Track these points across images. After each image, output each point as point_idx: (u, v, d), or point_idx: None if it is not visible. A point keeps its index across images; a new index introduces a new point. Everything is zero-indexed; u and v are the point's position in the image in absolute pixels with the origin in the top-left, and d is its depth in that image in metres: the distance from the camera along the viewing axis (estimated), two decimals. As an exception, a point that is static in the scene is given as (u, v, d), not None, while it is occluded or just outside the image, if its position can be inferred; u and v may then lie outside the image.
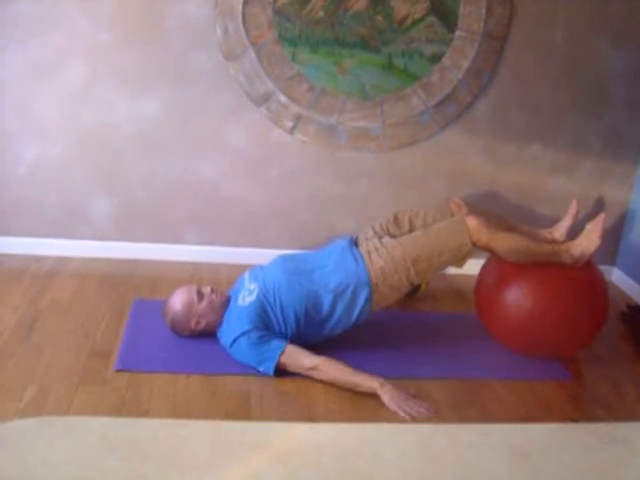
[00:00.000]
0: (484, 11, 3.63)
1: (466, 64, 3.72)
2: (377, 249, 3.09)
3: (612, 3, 3.73)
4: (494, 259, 3.29)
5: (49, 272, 3.69)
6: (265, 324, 2.97)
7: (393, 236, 3.20)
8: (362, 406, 2.79)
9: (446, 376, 3.05)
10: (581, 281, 3.15)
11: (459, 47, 3.69)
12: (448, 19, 3.63)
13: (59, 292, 3.49)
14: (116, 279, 3.69)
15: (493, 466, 2.44)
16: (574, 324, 3.08)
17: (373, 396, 2.83)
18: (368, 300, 3.04)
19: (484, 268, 3.38)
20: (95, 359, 2.94)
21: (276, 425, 2.58)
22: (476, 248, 3.06)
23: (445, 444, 2.54)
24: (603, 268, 4.21)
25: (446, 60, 3.70)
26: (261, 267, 3.19)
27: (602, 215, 3.18)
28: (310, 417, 2.68)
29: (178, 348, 3.08)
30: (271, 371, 2.89)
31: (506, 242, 3.07)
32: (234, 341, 2.96)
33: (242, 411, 2.69)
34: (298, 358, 2.90)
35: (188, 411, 2.65)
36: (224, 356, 3.00)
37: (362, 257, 3.08)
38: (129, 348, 3.03)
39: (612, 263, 4.26)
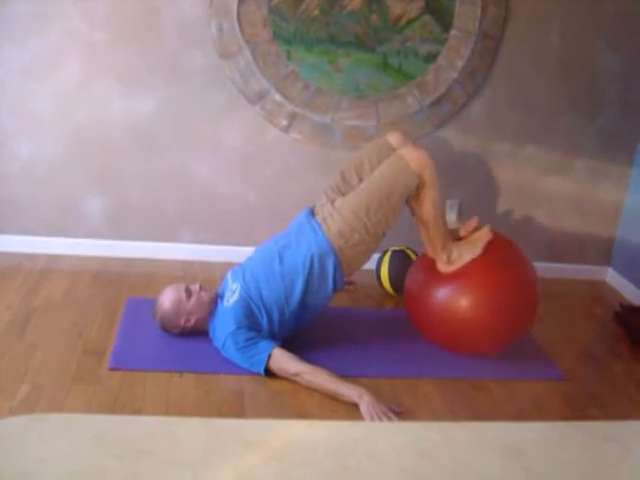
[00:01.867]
0: (479, 11, 3.63)
1: (461, 64, 3.72)
2: (331, 214, 3.04)
3: (607, 4, 3.74)
4: (421, 259, 3.30)
5: (42, 270, 3.68)
6: (251, 321, 2.96)
7: (346, 194, 3.11)
8: (356, 406, 2.78)
9: (440, 375, 3.05)
10: (510, 278, 3.11)
11: (454, 47, 3.69)
12: (443, 18, 3.64)
13: (52, 290, 3.48)
14: (110, 277, 3.68)
15: (487, 464, 2.43)
16: (501, 320, 3.06)
17: (367, 395, 2.84)
18: (337, 267, 3.02)
19: (412, 268, 3.37)
20: (88, 357, 2.94)
21: (270, 423, 2.58)
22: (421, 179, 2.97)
23: (439, 442, 2.53)
24: (597, 268, 4.25)
25: (441, 60, 3.71)
26: (241, 265, 3.18)
27: (487, 228, 3.14)
28: (304, 416, 2.69)
29: (171, 346, 3.08)
30: (262, 373, 2.89)
31: (436, 194, 3.02)
32: (223, 344, 2.96)
33: (236, 410, 2.69)
34: (283, 364, 2.88)
35: (182, 409, 2.65)
36: (218, 355, 3.00)
37: (320, 226, 3.04)
38: (123, 346, 3.03)
39: (607, 263, 4.27)
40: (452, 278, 3.08)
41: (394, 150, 3.10)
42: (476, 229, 3.22)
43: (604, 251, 4.24)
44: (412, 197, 3.04)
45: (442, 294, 3.08)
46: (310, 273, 3.00)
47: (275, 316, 2.99)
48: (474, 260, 3.07)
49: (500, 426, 2.70)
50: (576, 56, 3.83)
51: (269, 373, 2.89)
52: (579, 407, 2.93)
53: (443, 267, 3.10)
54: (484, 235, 3.13)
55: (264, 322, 2.98)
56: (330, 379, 2.83)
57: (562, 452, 2.55)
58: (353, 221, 2.98)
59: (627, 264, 4.11)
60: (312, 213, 3.16)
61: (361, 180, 3.13)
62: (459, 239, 3.20)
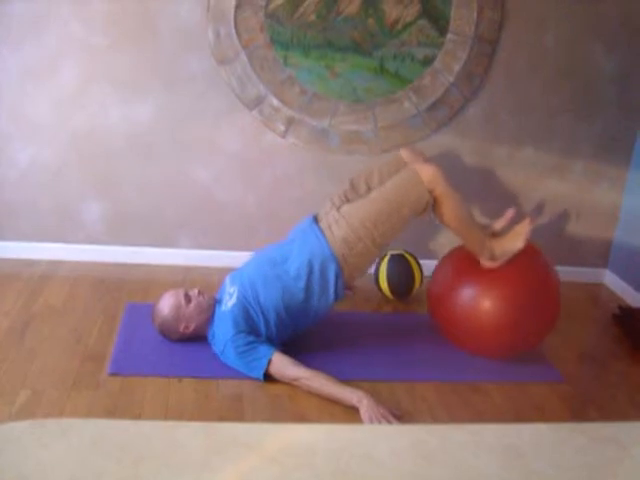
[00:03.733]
0: (475, 14, 3.64)
1: (457, 67, 3.73)
2: (337, 220, 3.05)
3: (603, 6, 3.75)
4: (446, 261, 3.32)
5: (42, 276, 3.68)
6: (249, 326, 2.97)
7: (352, 202, 3.14)
8: (354, 410, 2.79)
9: (439, 378, 3.06)
10: (533, 281, 3.14)
11: (450, 50, 3.70)
12: (439, 22, 3.65)
13: (52, 296, 3.48)
14: (109, 283, 3.69)
15: (486, 466, 2.44)
16: (524, 324, 3.08)
17: (366, 398, 2.85)
18: (339, 275, 3.02)
19: (437, 270, 3.39)
20: (88, 363, 2.94)
21: (269, 426, 2.57)
22: (432, 197, 3.00)
23: (438, 445, 2.53)
24: (595, 270, 4.26)
25: (437, 63, 3.72)
26: (239, 269, 3.19)
27: (528, 219, 3.17)
28: (303, 419, 2.70)
29: (171, 352, 3.08)
30: (261, 378, 2.90)
31: (455, 202, 3.04)
32: (223, 349, 2.96)
33: (235, 414, 2.69)
34: (283, 369, 2.89)
35: (181, 415, 2.65)
36: (217, 360, 3.01)
37: (323, 233, 3.05)
38: (122, 352, 3.03)
39: (604, 265, 4.28)
40: (476, 279, 3.11)
41: (406, 165, 3.17)
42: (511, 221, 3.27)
43: (602, 253, 4.25)
44: (435, 211, 3.07)
45: (466, 295, 3.11)
46: (311, 279, 3.01)
47: (272, 321, 2.99)
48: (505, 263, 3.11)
49: (499, 428, 2.71)
50: (573, 59, 3.84)
51: (268, 378, 2.89)
52: (578, 409, 2.94)
53: (488, 264, 3.12)
54: (525, 227, 3.14)
55: (262, 326, 2.99)
56: (329, 383, 2.84)
57: (562, 454, 2.56)
58: (360, 230, 3.00)
59: (625, 266, 4.12)
60: (316, 220, 3.17)
61: (369, 190, 3.18)
62: (495, 234, 3.23)
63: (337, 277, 3.03)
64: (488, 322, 3.05)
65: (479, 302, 3.06)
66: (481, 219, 3.48)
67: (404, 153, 3.28)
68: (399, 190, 3.03)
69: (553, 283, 3.19)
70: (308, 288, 3.01)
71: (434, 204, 3.04)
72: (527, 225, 3.14)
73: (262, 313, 2.98)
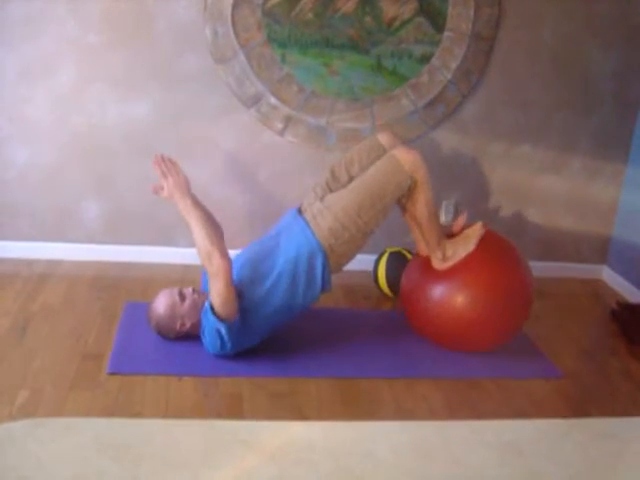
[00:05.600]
0: (472, 12, 3.64)
1: (455, 65, 3.73)
2: (320, 211, 3.05)
3: (600, 3, 3.75)
4: (416, 259, 3.32)
5: (40, 276, 3.68)
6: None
7: (335, 191, 3.14)
8: (354, 407, 2.79)
9: (438, 375, 3.06)
10: (503, 276, 3.13)
11: (448, 48, 3.70)
12: (437, 20, 3.65)
13: (51, 295, 3.48)
14: (108, 282, 3.69)
15: (485, 463, 2.45)
16: (494, 319, 3.09)
17: (366, 396, 2.85)
18: (326, 266, 3.02)
19: (408, 267, 3.38)
20: (87, 362, 2.94)
21: (268, 424, 2.59)
22: (414, 179, 3.01)
23: (437, 441, 2.55)
24: (593, 266, 4.27)
25: (435, 61, 3.72)
26: None
27: (480, 224, 3.18)
28: (302, 418, 2.69)
29: (170, 350, 3.08)
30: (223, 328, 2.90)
31: (430, 190, 3.06)
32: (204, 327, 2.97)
33: (234, 413, 2.69)
34: (217, 293, 2.88)
35: (180, 413, 2.65)
36: (216, 358, 3.00)
37: (308, 224, 3.05)
38: (121, 351, 3.03)
39: (603, 261, 4.29)
40: (446, 276, 3.10)
41: (385, 150, 3.14)
42: (468, 225, 3.25)
43: (600, 249, 4.26)
44: (405, 197, 3.07)
45: (437, 292, 3.10)
46: (297, 273, 2.99)
47: (256, 316, 2.97)
48: (469, 256, 3.09)
49: (498, 424, 2.72)
50: (570, 55, 3.84)
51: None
52: (577, 405, 2.94)
53: (438, 264, 3.13)
54: (477, 230, 3.16)
55: (246, 320, 2.96)
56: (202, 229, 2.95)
57: (560, 449, 2.57)
58: (344, 219, 2.99)
59: (623, 262, 4.13)
60: (299, 212, 3.17)
61: (351, 178, 3.15)
62: (452, 236, 3.23)
63: (324, 268, 3.02)
64: (458, 317, 3.06)
65: (450, 298, 3.06)
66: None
67: (382, 138, 3.22)
68: (381, 177, 3.02)
69: (525, 278, 3.18)
70: (294, 282, 3.00)
71: (416, 191, 3.04)
72: (480, 229, 3.16)
73: (246, 309, 2.96)
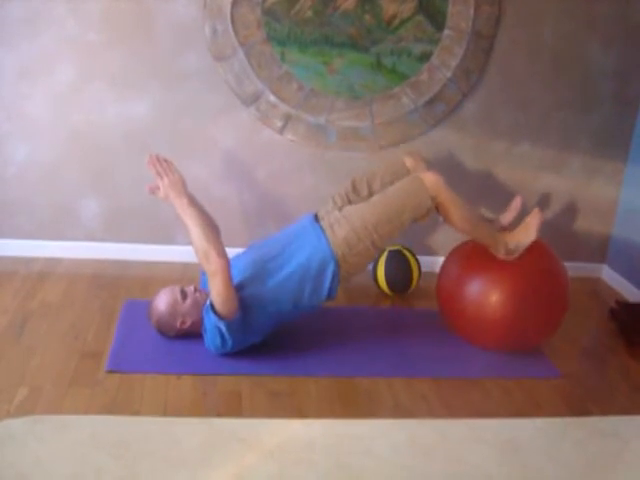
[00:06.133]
0: (472, 10, 3.63)
1: (455, 63, 3.72)
2: (338, 220, 3.08)
3: (600, 2, 3.75)
4: (454, 256, 3.34)
5: (39, 274, 3.68)
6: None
7: (354, 203, 3.19)
8: (353, 405, 2.80)
9: (437, 374, 3.06)
10: (541, 273, 3.16)
11: (448, 46, 3.70)
12: (436, 18, 3.64)
13: (49, 293, 3.48)
14: (107, 280, 3.69)
15: (483, 461, 2.45)
16: (534, 317, 3.10)
17: (365, 394, 2.85)
18: (335, 274, 3.03)
19: (444, 266, 3.39)
20: (86, 360, 2.94)
21: (267, 422, 2.59)
22: (435, 203, 3.06)
23: (436, 439, 2.55)
24: (593, 265, 4.27)
25: (435, 59, 3.71)
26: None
27: (536, 209, 3.23)
28: (301, 416, 2.69)
29: (169, 348, 3.08)
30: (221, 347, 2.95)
31: (460, 207, 3.09)
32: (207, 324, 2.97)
33: (233, 411, 2.69)
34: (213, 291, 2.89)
35: (179, 411, 2.65)
36: (215, 356, 3.00)
37: (324, 232, 3.07)
38: (120, 349, 3.03)
39: (602, 260, 4.28)
40: (482, 274, 3.13)
41: (408, 172, 3.24)
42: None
43: (599, 248, 4.26)
44: (441, 215, 3.13)
45: (474, 290, 3.13)
46: (306, 276, 3.01)
47: (257, 314, 2.97)
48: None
49: (497, 423, 2.72)
50: (570, 54, 3.84)
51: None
52: (576, 404, 2.94)
53: (505, 258, 3.16)
54: (536, 217, 3.20)
55: (246, 318, 2.96)
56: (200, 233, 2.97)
57: (559, 447, 2.57)
58: (361, 232, 3.02)
59: (622, 261, 4.12)
60: (316, 218, 3.19)
61: (371, 193, 3.23)
62: (504, 227, 3.30)
63: (333, 276, 3.04)
64: (497, 317, 3.07)
65: (488, 296, 3.08)
66: (488, 214, 3.51)
67: (407, 160, 3.31)
68: (402, 195, 3.07)
69: (562, 277, 3.22)
70: (301, 285, 3.01)
71: (439, 209, 3.09)
72: (537, 215, 3.20)
73: (249, 307, 2.96)
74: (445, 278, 3.32)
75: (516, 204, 3.41)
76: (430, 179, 3.05)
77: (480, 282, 3.13)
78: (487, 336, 3.17)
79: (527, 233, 3.17)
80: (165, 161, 3.06)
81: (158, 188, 3.07)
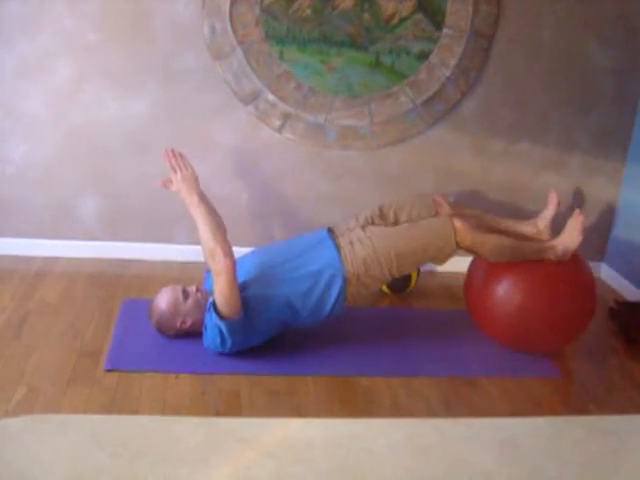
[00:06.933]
0: (471, 9, 3.63)
1: (454, 62, 3.72)
2: (361, 240, 3.08)
3: (599, 1, 3.74)
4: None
5: (38, 272, 3.68)
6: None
7: (378, 227, 3.20)
8: (352, 405, 2.79)
9: (435, 373, 3.05)
10: (568, 275, 3.18)
11: (446, 45, 3.69)
12: (435, 17, 3.64)
13: (48, 292, 3.48)
14: (105, 279, 3.68)
15: (482, 460, 2.44)
16: (561, 318, 3.11)
17: (363, 393, 2.85)
18: (342, 292, 3.03)
19: (473, 264, 3.39)
20: (84, 359, 2.94)
21: (266, 421, 2.58)
22: (459, 249, 3.10)
23: (434, 438, 2.54)
24: (592, 264, 4.23)
25: (433, 58, 3.71)
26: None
27: (577, 211, 3.24)
28: (300, 415, 2.69)
29: (168, 347, 3.08)
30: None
31: (489, 244, 3.10)
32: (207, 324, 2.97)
33: (232, 410, 2.69)
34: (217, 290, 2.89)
35: (178, 410, 2.65)
36: (214, 355, 3.00)
37: (337, 248, 3.07)
38: (118, 348, 3.03)
39: (600, 259, 4.28)
40: (509, 275, 3.13)
41: (436, 212, 3.29)
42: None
43: (598, 247, 4.25)
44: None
45: (500, 290, 3.13)
46: (313, 289, 3.00)
47: (258, 319, 2.96)
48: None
49: (496, 422, 2.71)
50: (569, 53, 3.84)
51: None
52: (575, 403, 2.94)
53: (558, 259, 3.18)
54: (578, 219, 3.22)
55: (249, 321, 2.96)
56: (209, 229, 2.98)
57: (558, 446, 2.56)
58: (382, 256, 3.04)
59: (621, 260, 4.12)
60: (331, 233, 3.19)
61: (397, 222, 3.27)
62: (547, 225, 3.36)
63: (339, 294, 3.03)
64: (530, 319, 3.08)
65: (513, 297, 3.09)
66: (523, 225, 3.51)
67: (437, 199, 3.36)
68: (430, 233, 3.09)
69: (589, 280, 3.24)
70: (306, 296, 3.00)
71: (471, 252, 3.14)
72: (579, 217, 3.22)
73: (252, 309, 2.95)
74: (474, 276, 3.34)
75: (553, 198, 3.42)
76: (459, 226, 3.06)
77: (507, 282, 3.13)
78: (519, 338, 3.19)
79: (572, 237, 3.18)
80: (180, 155, 3.08)
81: (171, 182, 3.07)
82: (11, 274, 3.63)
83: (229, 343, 2.92)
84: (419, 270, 3.73)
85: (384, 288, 3.71)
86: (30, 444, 2.34)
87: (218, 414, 2.65)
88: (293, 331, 3.18)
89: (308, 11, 3.56)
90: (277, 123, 3.76)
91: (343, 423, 2.62)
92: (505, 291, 3.11)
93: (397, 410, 2.78)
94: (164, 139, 3.72)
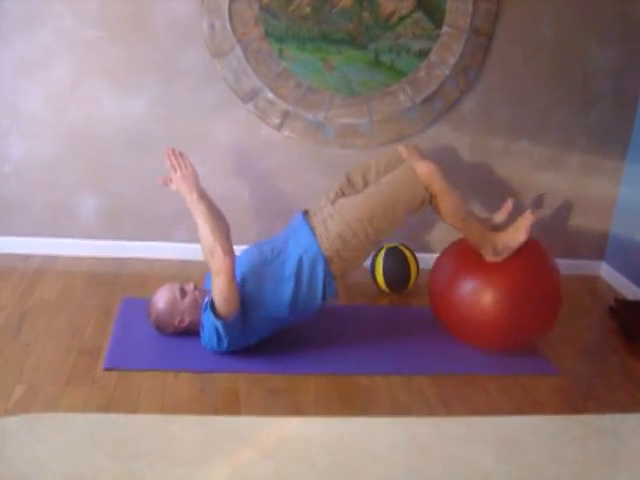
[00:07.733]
0: (471, 7, 3.63)
1: (453, 60, 3.72)
2: (331, 215, 3.04)
3: (599, 0, 3.74)
4: (447, 253, 3.32)
5: (37, 271, 3.67)
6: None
7: (347, 196, 3.15)
8: (351, 403, 2.79)
9: (434, 371, 3.05)
10: (531, 270, 3.14)
11: (446, 43, 3.69)
12: (435, 15, 3.63)
13: (47, 291, 3.47)
14: (104, 277, 3.68)
15: (481, 458, 2.45)
16: (526, 315, 3.08)
17: (363, 392, 2.85)
18: (327, 272, 3.00)
19: (436, 266, 3.37)
20: (83, 358, 2.93)
21: (265, 420, 2.58)
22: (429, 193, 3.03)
23: (433, 437, 2.54)
24: (592, 263, 4.27)
25: (433, 56, 3.70)
26: None
27: (528, 211, 3.18)
28: (299, 413, 2.68)
29: (166, 346, 3.08)
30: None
31: (453, 199, 3.05)
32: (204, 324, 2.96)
33: (231, 408, 2.69)
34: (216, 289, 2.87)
35: (177, 409, 2.64)
36: (212, 354, 3.00)
37: (313, 230, 3.04)
38: (118, 346, 3.02)
39: (601, 258, 4.28)
40: (474, 274, 3.10)
41: (403, 161, 3.16)
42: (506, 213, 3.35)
43: (598, 246, 4.25)
44: (433, 207, 3.08)
45: (467, 289, 3.10)
46: (301, 278, 2.98)
47: (256, 317, 2.96)
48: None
49: (495, 420, 2.71)
50: (568, 51, 3.83)
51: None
52: (574, 401, 2.94)
53: (491, 259, 3.12)
54: (527, 219, 3.15)
55: (246, 320, 2.95)
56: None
57: (558, 445, 2.56)
58: (356, 225, 2.99)
59: (621, 259, 4.12)
60: (306, 215, 3.16)
61: (366, 185, 3.18)
62: (495, 227, 3.26)
63: (326, 275, 3.00)
64: (490, 316, 3.05)
65: (480, 296, 3.05)
66: (481, 213, 3.48)
67: (401, 150, 3.27)
68: (395, 186, 3.03)
69: (554, 275, 3.18)
70: (297, 287, 2.98)
71: (432, 200, 3.04)
72: (528, 218, 3.15)
73: (247, 309, 2.94)
74: (437, 278, 3.30)
75: (508, 206, 3.38)
76: (423, 168, 3.00)
77: (471, 281, 3.10)
78: (480, 336, 3.16)
79: (516, 234, 3.12)
80: (180, 154, 3.08)
81: (171, 180, 3.07)
82: (10, 272, 3.62)
83: (226, 342, 2.92)
84: (418, 269, 3.72)
85: (383, 287, 3.71)
86: (28, 443, 2.34)
87: (217, 412, 2.65)
88: (292, 329, 3.17)
89: (307, 9, 3.55)
90: (276, 121, 3.75)
91: (342, 422, 2.62)
92: (469, 291, 3.08)
93: (396, 409, 2.78)
94: (163, 137, 3.72)
